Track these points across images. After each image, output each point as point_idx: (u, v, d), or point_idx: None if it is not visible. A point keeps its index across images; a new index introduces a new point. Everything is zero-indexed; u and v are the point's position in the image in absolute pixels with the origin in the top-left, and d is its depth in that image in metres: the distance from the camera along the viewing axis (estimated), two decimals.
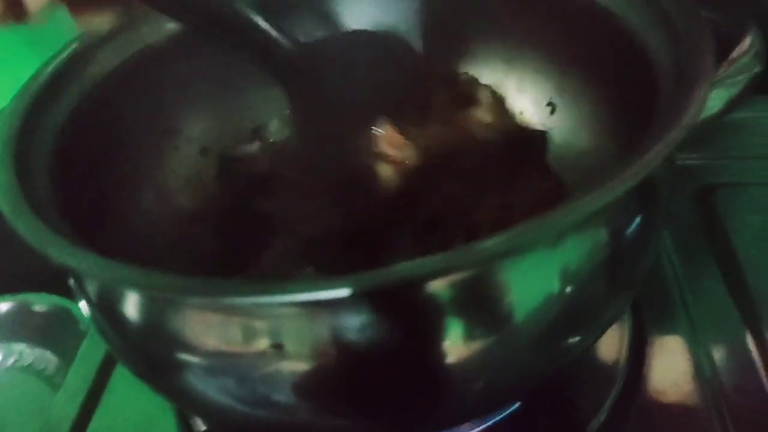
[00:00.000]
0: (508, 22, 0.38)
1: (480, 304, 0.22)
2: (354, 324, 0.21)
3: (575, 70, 0.36)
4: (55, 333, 0.44)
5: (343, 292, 0.19)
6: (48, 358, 0.43)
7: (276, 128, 0.42)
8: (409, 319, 0.22)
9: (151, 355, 0.24)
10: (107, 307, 0.25)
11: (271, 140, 0.42)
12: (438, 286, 0.21)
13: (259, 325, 0.22)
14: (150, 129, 0.37)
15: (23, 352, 0.43)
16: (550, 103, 0.39)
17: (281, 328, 0.22)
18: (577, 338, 0.25)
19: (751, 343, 0.35)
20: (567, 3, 0.34)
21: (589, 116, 0.36)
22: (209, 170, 0.40)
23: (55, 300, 0.45)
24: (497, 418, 0.32)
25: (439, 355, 0.22)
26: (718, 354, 0.35)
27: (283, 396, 0.23)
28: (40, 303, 0.45)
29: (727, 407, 0.32)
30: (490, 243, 0.19)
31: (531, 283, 0.22)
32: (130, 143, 0.36)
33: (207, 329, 0.22)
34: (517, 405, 0.32)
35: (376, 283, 0.19)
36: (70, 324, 0.44)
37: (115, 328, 0.25)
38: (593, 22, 0.32)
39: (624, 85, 0.31)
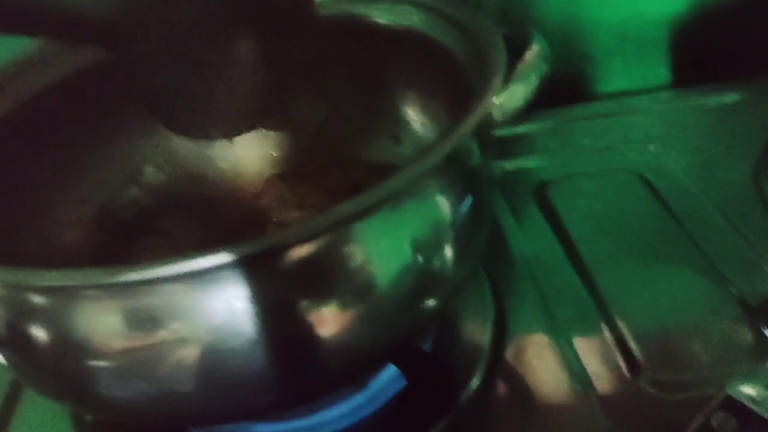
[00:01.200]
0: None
1: (337, 266, 0.26)
2: (231, 293, 0.24)
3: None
4: None
5: (223, 258, 0.22)
6: None
7: (152, 173, 0.45)
8: (279, 285, 0.25)
9: (63, 368, 0.26)
10: (16, 334, 0.27)
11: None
12: (304, 251, 0.25)
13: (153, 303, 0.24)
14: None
15: None
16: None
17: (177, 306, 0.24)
18: (429, 296, 0.30)
19: (586, 294, 0.43)
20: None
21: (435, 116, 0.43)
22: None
23: None
24: (389, 396, 0.36)
25: (310, 315, 0.26)
26: (563, 310, 0.42)
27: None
28: None
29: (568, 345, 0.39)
30: (343, 207, 0.24)
31: (383, 245, 0.27)
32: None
33: (109, 321, 0.25)
34: (404, 384, 0.36)
35: (249, 249, 0.23)
36: None
37: (25, 353, 0.27)
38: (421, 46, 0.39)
39: (448, 85, 0.37)
